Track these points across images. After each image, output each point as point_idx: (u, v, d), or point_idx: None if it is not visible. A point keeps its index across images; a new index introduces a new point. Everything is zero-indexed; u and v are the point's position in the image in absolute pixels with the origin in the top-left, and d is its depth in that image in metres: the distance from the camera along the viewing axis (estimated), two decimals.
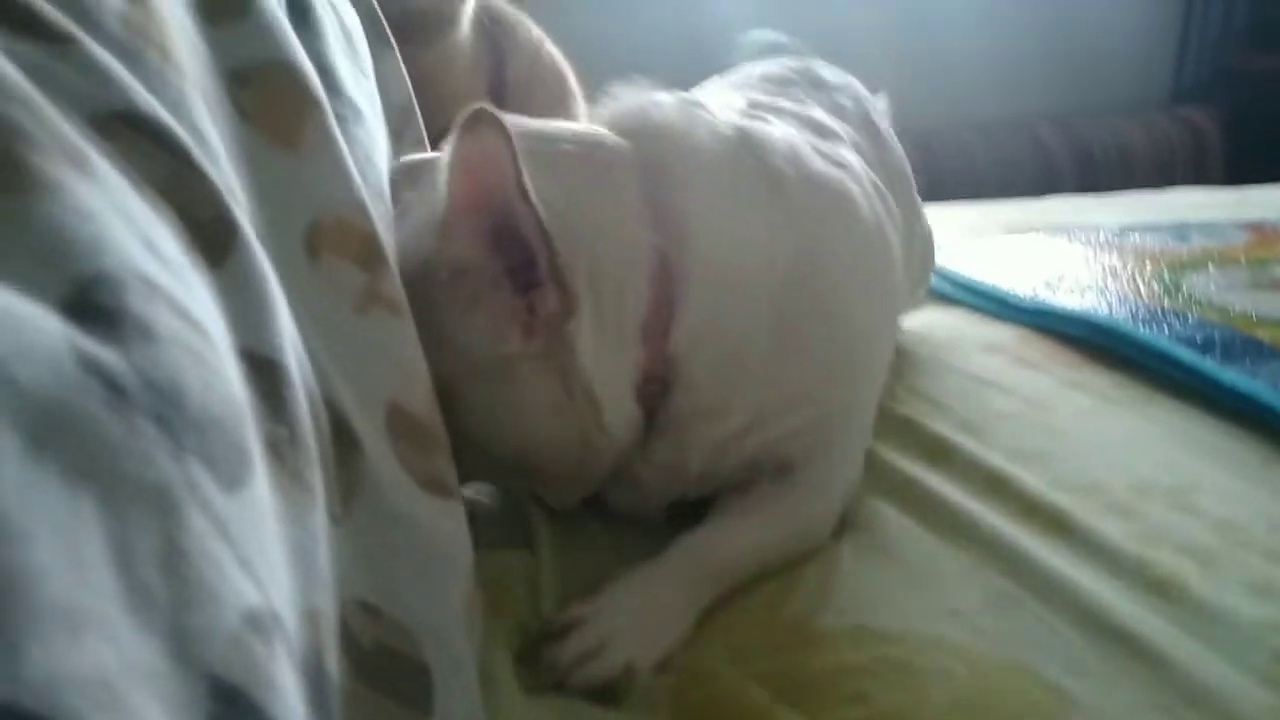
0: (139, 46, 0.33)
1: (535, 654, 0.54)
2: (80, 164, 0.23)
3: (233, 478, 0.22)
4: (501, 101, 1.08)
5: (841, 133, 0.76)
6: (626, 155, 0.60)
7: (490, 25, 1.07)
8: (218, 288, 0.29)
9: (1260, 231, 1.33)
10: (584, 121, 0.66)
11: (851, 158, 0.73)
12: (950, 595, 0.58)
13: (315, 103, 0.41)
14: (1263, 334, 0.87)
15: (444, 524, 0.39)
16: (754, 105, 0.75)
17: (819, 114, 0.77)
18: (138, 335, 0.21)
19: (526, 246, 0.50)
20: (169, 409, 0.20)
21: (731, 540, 0.61)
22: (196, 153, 0.32)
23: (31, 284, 0.20)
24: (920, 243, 0.92)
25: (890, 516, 0.67)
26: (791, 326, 0.61)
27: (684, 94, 0.69)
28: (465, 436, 0.51)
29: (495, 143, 0.47)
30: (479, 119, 0.47)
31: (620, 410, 0.57)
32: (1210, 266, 1.13)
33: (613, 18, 2.64)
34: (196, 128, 0.34)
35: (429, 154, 0.62)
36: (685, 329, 0.58)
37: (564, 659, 0.53)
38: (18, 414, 0.17)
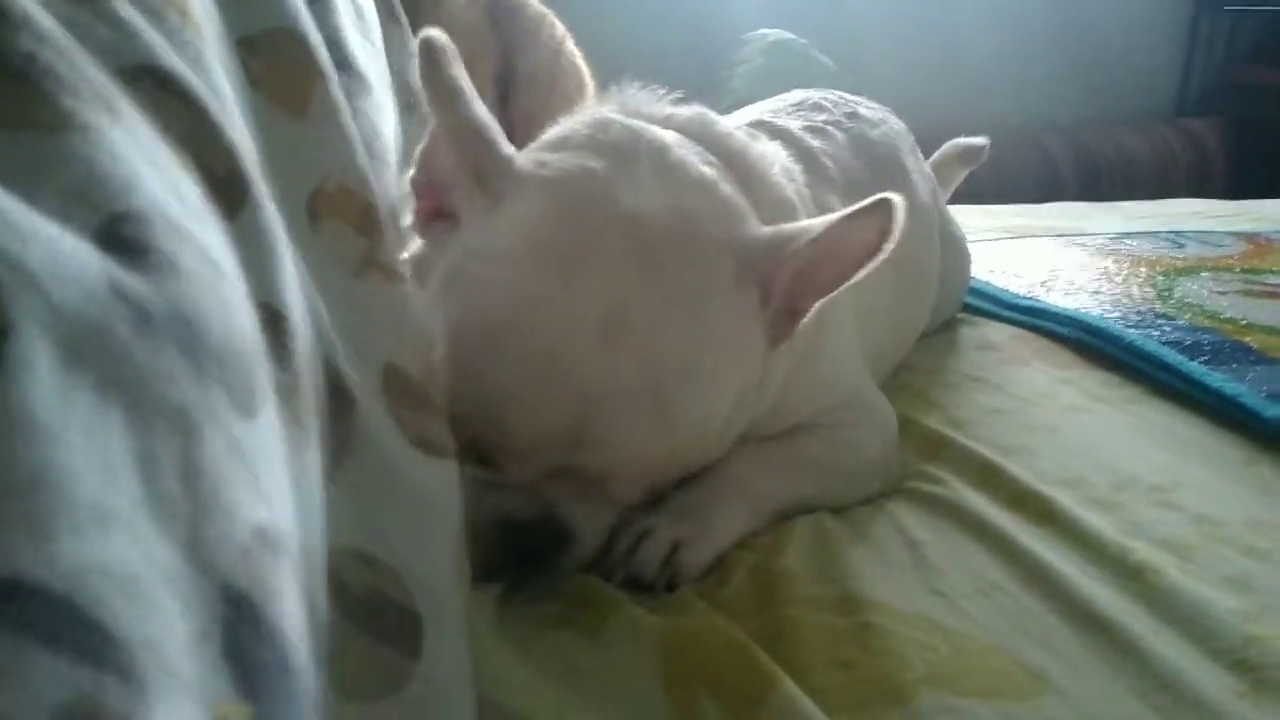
0: (160, 5, 0.35)
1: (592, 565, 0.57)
2: (112, 109, 0.24)
3: (247, 406, 0.23)
4: (509, 90, 1.10)
5: (835, 176, 0.80)
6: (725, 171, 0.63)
7: (502, 15, 1.08)
8: (232, 238, 0.31)
9: (1255, 242, 1.35)
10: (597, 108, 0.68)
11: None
12: (937, 577, 0.59)
13: (321, 72, 0.42)
14: (1251, 339, 0.89)
15: (435, 480, 0.40)
16: (758, 124, 0.80)
17: (818, 147, 0.81)
18: (165, 269, 0.22)
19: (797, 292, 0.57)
20: (192, 338, 0.21)
21: (782, 480, 0.66)
22: (214, 109, 0.33)
23: (67, 216, 0.21)
24: (951, 263, 1.00)
25: (882, 502, 0.68)
26: None
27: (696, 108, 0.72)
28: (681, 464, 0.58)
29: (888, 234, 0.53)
30: (887, 206, 0.52)
31: None
32: (1204, 273, 1.15)
33: (626, 16, 2.66)
34: (215, 86, 0.36)
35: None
36: None
37: (615, 552, 0.57)
38: (52, 328, 0.18)
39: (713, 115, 0.70)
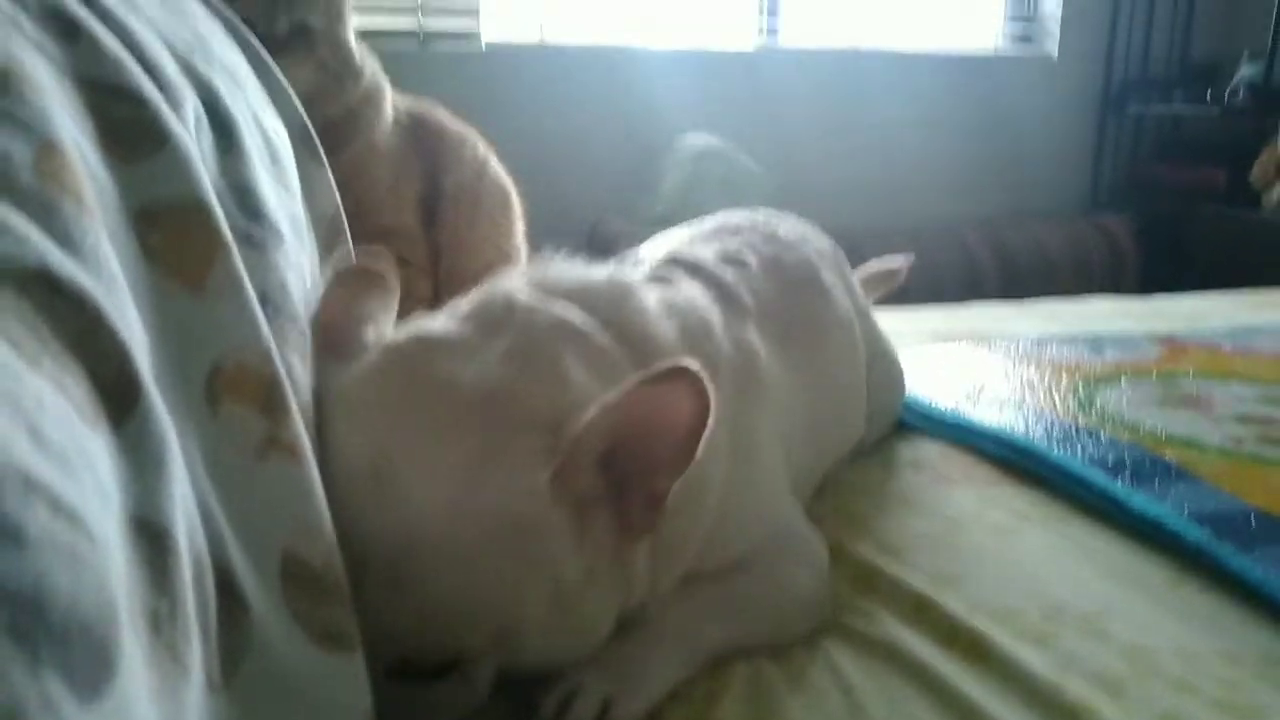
0: (53, 196, 0.33)
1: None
2: None
3: (93, 686, 0.21)
4: (435, 209, 1.10)
5: (750, 306, 0.79)
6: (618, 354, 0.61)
7: (424, 138, 1.09)
8: (118, 448, 0.29)
9: (1171, 344, 1.39)
10: (521, 280, 0.66)
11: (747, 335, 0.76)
12: None
13: (223, 244, 0.41)
14: (1170, 453, 0.91)
15: (338, 679, 0.38)
16: (673, 260, 0.80)
17: (732, 279, 0.80)
18: (4, 541, 0.20)
19: (643, 475, 0.53)
20: (29, 620, 0.20)
21: (715, 624, 0.64)
22: (107, 308, 0.32)
23: None
24: (883, 381, 1.00)
25: (818, 642, 0.67)
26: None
27: (614, 271, 0.72)
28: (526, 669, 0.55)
29: (701, 402, 0.50)
30: (684, 374, 0.49)
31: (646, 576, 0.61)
32: (1123, 380, 1.17)
33: (558, 124, 2.71)
34: (110, 275, 0.34)
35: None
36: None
37: (546, 707, 0.55)
38: None
39: (627, 285, 0.68)
